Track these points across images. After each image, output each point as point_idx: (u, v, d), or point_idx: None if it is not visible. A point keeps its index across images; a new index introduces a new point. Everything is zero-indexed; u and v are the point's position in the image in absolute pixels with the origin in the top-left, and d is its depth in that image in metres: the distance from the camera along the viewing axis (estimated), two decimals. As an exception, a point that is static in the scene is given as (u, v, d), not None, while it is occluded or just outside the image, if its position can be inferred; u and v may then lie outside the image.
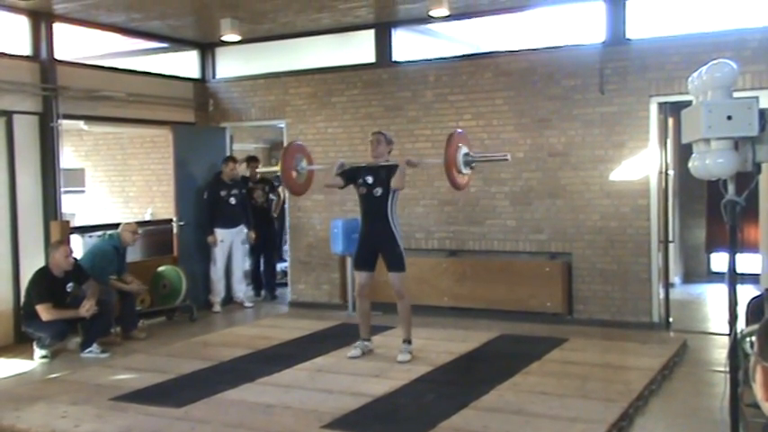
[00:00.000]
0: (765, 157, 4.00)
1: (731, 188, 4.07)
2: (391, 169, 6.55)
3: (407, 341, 6.65)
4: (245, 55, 10.19)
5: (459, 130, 6.72)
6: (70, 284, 7.27)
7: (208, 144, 9.96)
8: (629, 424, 5.03)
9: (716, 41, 7.40)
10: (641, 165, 7.86)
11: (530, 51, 8.53)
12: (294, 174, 6.91)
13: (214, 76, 10.38)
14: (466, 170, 6.54)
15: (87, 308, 7.06)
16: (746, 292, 6.05)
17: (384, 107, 9.14)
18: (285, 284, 10.27)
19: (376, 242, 6.63)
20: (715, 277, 10.72)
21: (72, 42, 9.12)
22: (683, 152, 7.86)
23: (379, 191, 6.53)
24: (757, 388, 1.44)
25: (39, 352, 7.14)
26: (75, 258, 7.47)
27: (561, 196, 8.27)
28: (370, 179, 6.58)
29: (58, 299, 7.13)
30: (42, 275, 7.20)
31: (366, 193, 6.60)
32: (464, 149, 6.49)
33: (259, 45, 9.91)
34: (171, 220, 9.58)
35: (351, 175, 6.71)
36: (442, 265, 8.79)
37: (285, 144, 6.80)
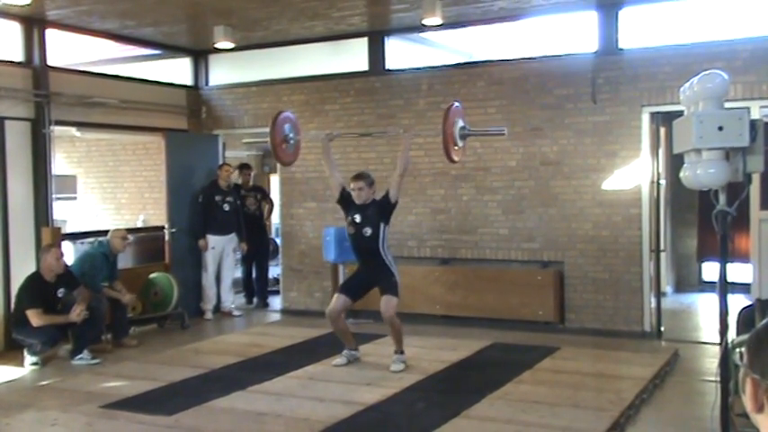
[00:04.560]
0: (756, 167, 4.03)
1: (722, 198, 4.10)
2: (379, 204, 6.54)
3: (400, 351, 6.63)
4: (238, 62, 10.19)
5: (456, 104, 6.63)
6: (61, 290, 7.24)
7: (200, 151, 9.94)
8: (621, 433, 5.04)
9: (707, 52, 7.44)
10: (633, 174, 7.89)
11: (522, 60, 8.56)
12: (284, 145, 6.79)
13: (207, 84, 10.37)
14: (461, 143, 6.55)
15: (78, 312, 7.03)
16: (737, 302, 6.10)
17: (377, 115, 9.15)
18: (277, 292, 10.25)
19: (372, 278, 6.60)
20: (706, 286, 10.73)
21: (65, 49, 9.10)
22: (675, 162, 7.89)
23: (368, 231, 6.47)
24: (747, 400, 1.44)
25: (29, 359, 7.09)
26: (65, 264, 7.44)
27: (553, 205, 8.28)
28: (358, 218, 6.51)
29: (48, 304, 7.09)
30: (33, 280, 7.17)
31: (355, 232, 6.54)
32: (460, 123, 6.50)
33: (252, 52, 9.92)
34: (163, 227, 9.56)
35: (345, 195, 6.65)
36: (434, 273, 8.78)
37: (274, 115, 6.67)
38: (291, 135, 6.86)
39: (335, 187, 6.72)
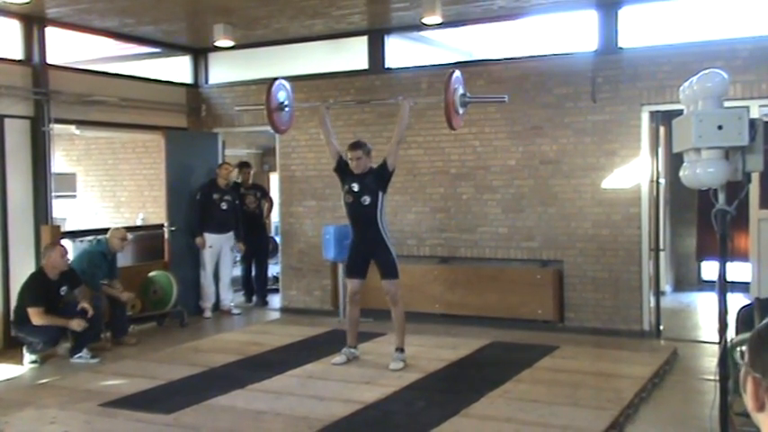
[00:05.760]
0: (755, 166, 4.03)
1: (722, 197, 4.10)
2: (377, 172, 6.56)
3: (400, 349, 6.63)
4: (238, 61, 10.18)
5: (457, 73, 6.64)
6: (64, 288, 7.24)
7: (200, 149, 9.94)
8: (620, 432, 5.05)
9: (707, 51, 7.44)
10: (633, 173, 7.89)
11: (522, 59, 8.56)
12: (278, 113, 6.76)
13: (207, 82, 10.36)
14: (462, 110, 6.57)
15: (77, 323, 7.01)
16: (736, 301, 6.09)
17: (377, 114, 9.14)
18: (276, 290, 10.25)
19: (368, 250, 6.62)
20: (705, 286, 10.74)
21: (64, 47, 9.10)
22: (675, 161, 7.89)
23: (367, 199, 6.49)
24: (748, 399, 1.44)
25: (28, 357, 7.09)
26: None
27: (553, 204, 8.28)
28: (356, 186, 6.52)
29: (51, 303, 7.08)
30: (37, 278, 7.17)
31: (353, 201, 6.55)
32: (460, 90, 6.51)
33: (252, 51, 9.90)
34: (162, 226, 9.55)
35: (342, 164, 6.66)
36: (433, 272, 8.78)
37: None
38: (287, 103, 6.86)
39: (333, 155, 6.75)
